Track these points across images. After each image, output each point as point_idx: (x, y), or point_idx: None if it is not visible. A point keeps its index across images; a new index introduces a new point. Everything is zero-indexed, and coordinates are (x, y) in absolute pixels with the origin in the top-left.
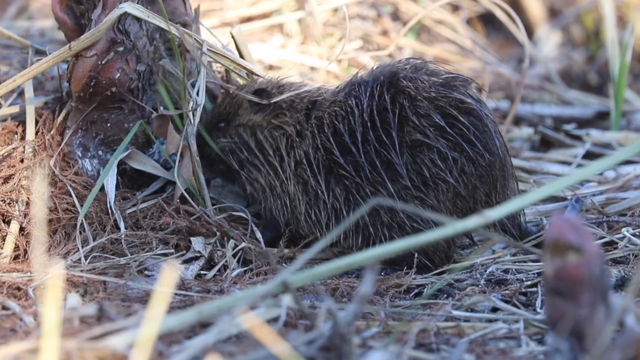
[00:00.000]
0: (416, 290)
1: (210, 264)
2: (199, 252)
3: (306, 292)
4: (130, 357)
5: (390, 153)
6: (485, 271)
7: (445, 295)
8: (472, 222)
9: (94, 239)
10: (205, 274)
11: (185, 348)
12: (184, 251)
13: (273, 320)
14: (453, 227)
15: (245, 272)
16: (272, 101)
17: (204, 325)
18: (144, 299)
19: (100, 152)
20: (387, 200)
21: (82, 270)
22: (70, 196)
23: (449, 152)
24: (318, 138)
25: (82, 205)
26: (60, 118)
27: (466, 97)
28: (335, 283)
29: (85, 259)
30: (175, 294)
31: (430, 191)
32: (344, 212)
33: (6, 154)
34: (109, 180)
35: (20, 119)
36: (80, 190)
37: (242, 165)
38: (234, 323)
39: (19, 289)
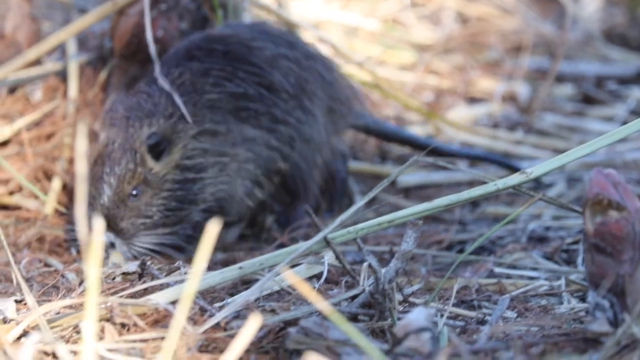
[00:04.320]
0: (458, 247)
1: (252, 224)
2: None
3: (348, 248)
4: (173, 314)
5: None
6: (527, 228)
7: (487, 253)
8: (513, 179)
9: None
10: (247, 234)
11: (228, 304)
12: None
13: (315, 277)
14: (494, 184)
15: (286, 230)
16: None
17: (245, 282)
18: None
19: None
20: None
21: None
22: None
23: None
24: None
25: None
26: (103, 75)
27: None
28: (376, 239)
29: None
30: (217, 252)
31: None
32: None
33: (49, 111)
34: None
35: (62, 76)
36: None
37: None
38: (276, 280)
39: (60, 245)
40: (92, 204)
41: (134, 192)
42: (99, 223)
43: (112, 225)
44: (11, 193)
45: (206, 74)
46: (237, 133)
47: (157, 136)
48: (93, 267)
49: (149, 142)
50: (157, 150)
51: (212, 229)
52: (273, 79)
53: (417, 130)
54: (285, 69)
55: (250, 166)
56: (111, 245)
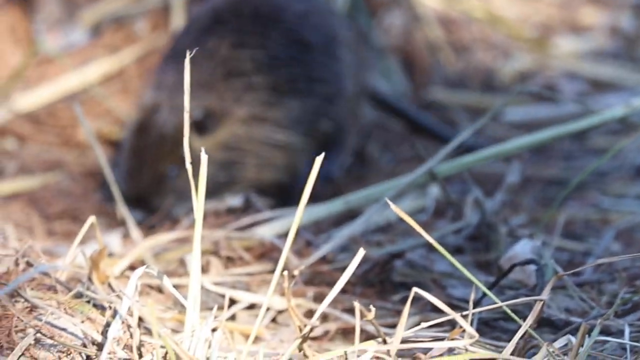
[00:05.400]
0: (564, 180)
1: (356, 155)
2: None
3: (453, 181)
4: (278, 247)
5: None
6: (634, 161)
7: (593, 185)
8: (619, 111)
9: None
10: (352, 165)
11: (333, 237)
12: None
13: (421, 210)
14: (599, 116)
15: (393, 164)
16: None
17: (351, 215)
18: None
19: None
20: None
21: None
22: None
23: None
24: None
25: None
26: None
27: None
28: (482, 172)
29: None
30: (323, 185)
31: None
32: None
33: (153, 45)
34: None
35: (167, 10)
36: None
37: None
38: (382, 212)
39: None
40: (130, 177)
41: (172, 170)
42: (206, 156)
43: (145, 203)
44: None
45: (241, 45)
46: (281, 113)
47: (204, 112)
48: (199, 200)
49: (195, 116)
50: (202, 126)
51: (317, 161)
52: (304, 36)
53: (524, 61)
54: (316, 23)
55: (293, 139)
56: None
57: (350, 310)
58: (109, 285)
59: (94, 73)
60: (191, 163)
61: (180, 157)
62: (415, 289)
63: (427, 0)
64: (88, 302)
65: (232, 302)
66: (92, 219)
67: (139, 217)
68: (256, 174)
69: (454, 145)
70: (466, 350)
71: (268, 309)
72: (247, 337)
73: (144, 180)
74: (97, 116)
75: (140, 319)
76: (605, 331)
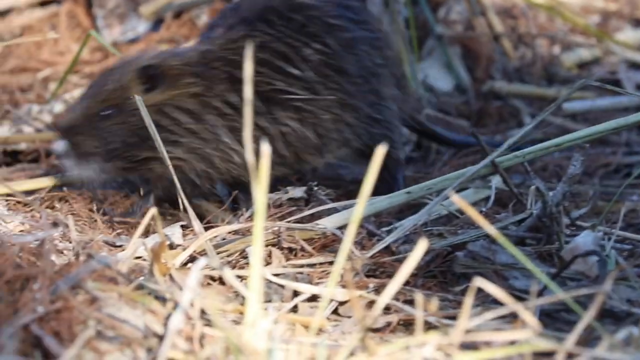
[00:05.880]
0: (625, 170)
1: (418, 146)
2: (405, 135)
3: (515, 172)
4: (340, 238)
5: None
6: None
7: None
8: None
9: None
10: (414, 157)
11: (396, 228)
12: None
13: (482, 201)
14: None
15: (454, 154)
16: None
17: (412, 207)
18: (353, 181)
19: None
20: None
21: None
22: None
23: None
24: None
25: None
26: None
27: None
28: (543, 163)
29: None
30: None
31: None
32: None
33: None
34: None
35: (229, 1)
36: None
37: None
38: (444, 204)
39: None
40: (71, 106)
41: (104, 113)
42: (267, 147)
43: (68, 137)
44: None
45: (264, 48)
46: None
47: (156, 68)
48: (261, 191)
49: (144, 69)
50: (151, 82)
51: (379, 151)
52: (344, 64)
53: (584, 51)
54: (360, 53)
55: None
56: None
57: (412, 302)
58: (170, 277)
59: None
60: (121, 111)
61: (117, 104)
62: (477, 280)
63: None
64: (149, 294)
65: (294, 293)
66: (153, 211)
67: (60, 149)
68: (191, 157)
69: (517, 137)
70: (528, 341)
71: (330, 301)
72: (308, 328)
73: (77, 112)
74: None
75: (202, 311)
76: None
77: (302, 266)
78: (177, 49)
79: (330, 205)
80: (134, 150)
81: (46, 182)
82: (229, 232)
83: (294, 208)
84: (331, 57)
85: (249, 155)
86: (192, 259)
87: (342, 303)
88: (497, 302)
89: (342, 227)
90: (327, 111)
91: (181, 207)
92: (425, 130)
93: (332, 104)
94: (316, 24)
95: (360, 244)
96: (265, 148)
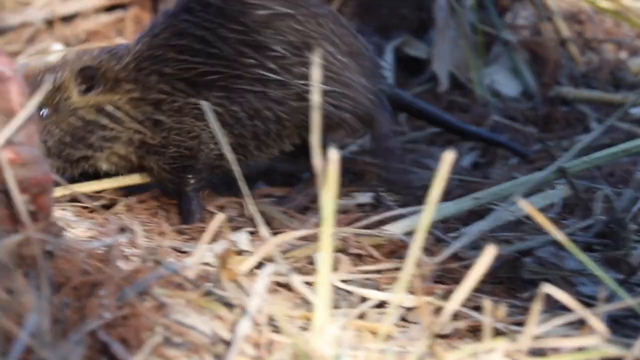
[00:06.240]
0: None
1: (484, 152)
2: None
3: (582, 178)
4: (408, 244)
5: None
6: None
7: None
8: None
9: None
10: (481, 162)
11: (463, 234)
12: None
13: (549, 207)
14: None
15: (520, 160)
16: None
17: (479, 212)
18: (420, 186)
19: (375, 38)
20: None
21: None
22: None
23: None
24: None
25: None
26: (335, 4)
27: None
28: (610, 169)
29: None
30: (452, 182)
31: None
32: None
33: None
34: (386, 66)
35: None
36: None
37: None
38: (511, 209)
39: (293, 176)
40: None
41: (41, 112)
42: (335, 153)
43: None
44: None
45: (183, 35)
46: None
47: (94, 70)
48: (329, 197)
49: (81, 71)
50: (89, 83)
51: (448, 156)
52: (262, 40)
53: None
54: (284, 28)
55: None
56: None
57: (480, 308)
58: (238, 283)
59: None
60: (57, 112)
61: (54, 105)
62: (544, 287)
63: None
64: (217, 300)
65: (362, 299)
66: (220, 216)
67: None
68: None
69: (585, 142)
70: (596, 347)
71: (397, 307)
72: (376, 335)
73: None
74: None
75: (269, 317)
76: None
77: (369, 272)
78: (116, 48)
79: (398, 211)
80: (68, 150)
81: (110, 183)
82: (296, 238)
83: (361, 214)
84: (247, 34)
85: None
86: (259, 265)
87: (409, 309)
88: (564, 309)
89: (410, 233)
90: (250, 89)
91: (247, 212)
92: (422, 112)
93: (254, 81)
94: (232, 5)
95: (428, 250)
96: (334, 154)
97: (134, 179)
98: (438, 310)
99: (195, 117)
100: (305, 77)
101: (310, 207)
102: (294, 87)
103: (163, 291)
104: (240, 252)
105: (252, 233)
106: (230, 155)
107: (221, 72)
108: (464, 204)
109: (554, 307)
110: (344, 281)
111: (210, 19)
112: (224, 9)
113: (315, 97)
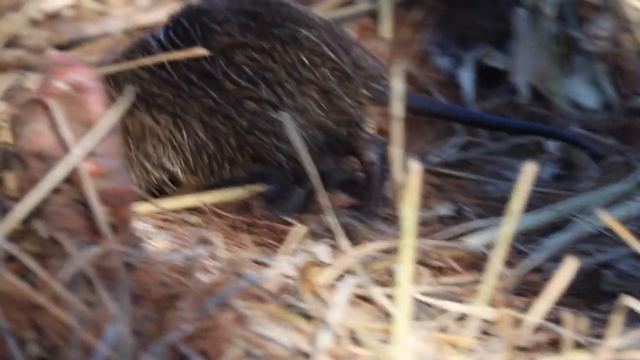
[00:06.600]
0: None
1: (565, 164)
2: (553, 152)
3: None
4: (488, 256)
5: (204, 63)
6: None
7: None
8: None
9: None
10: (561, 174)
11: (543, 247)
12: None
13: (629, 219)
14: None
15: (602, 172)
16: None
17: (559, 225)
18: (500, 198)
19: (455, 50)
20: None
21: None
22: (427, 93)
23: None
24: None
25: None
26: (416, 15)
27: None
28: None
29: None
30: (532, 194)
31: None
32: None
33: None
34: (466, 77)
35: (375, 16)
36: (437, 87)
37: None
38: (591, 221)
39: None
40: None
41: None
42: (416, 164)
43: None
44: None
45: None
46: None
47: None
48: (410, 209)
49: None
50: None
51: (529, 169)
52: (211, 69)
53: None
54: (241, 59)
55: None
56: None
57: (559, 320)
58: (318, 295)
59: None
60: None
61: None
62: (624, 299)
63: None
64: (297, 312)
65: (441, 312)
66: (300, 228)
67: None
68: None
69: None
70: None
71: (478, 319)
72: (456, 347)
73: None
74: None
75: (349, 329)
76: None
77: (449, 284)
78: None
79: (478, 223)
80: None
81: (193, 200)
82: (376, 250)
83: (441, 226)
84: (198, 62)
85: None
86: (339, 277)
87: (489, 322)
88: None
89: (490, 245)
90: (196, 117)
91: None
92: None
93: (199, 110)
94: (199, 28)
95: (508, 262)
96: (415, 166)
97: (213, 196)
98: (518, 323)
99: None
100: (255, 112)
101: (389, 219)
102: (239, 121)
103: (243, 303)
104: (320, 264)
105: (331, 245)
106: (311, 168)
107: (167, 95)
108: (544, 215)
109: (633, 320)
110: (424, 293)
111: (173, 42)
112: (188, 32)
113: (397, 108)
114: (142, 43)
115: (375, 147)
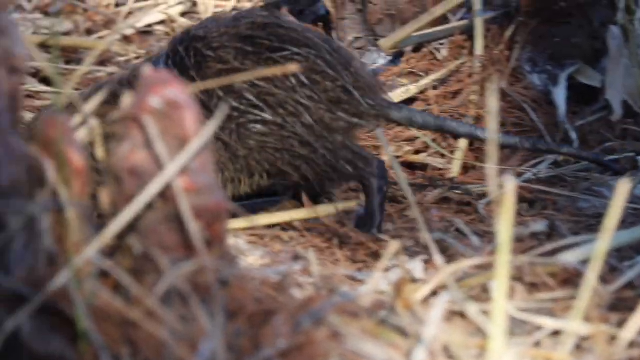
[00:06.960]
0: None
1: None
2: None
3: None
4: (583, 273)
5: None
6: None
7: None
8: None
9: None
10: None
11: (638, 263)
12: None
13: None
14: None
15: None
16: None
17: None
18: (593, 215)
19: (549, 67)
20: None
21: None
22: (520, 110)
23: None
24: None
25: (534, 119)
26: (509, 33)
27: (257, 17)
28: None
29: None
30: (626, 210)
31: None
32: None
33: (455, 68)
34: (559, 94)
35: (468, 34)
36: (530, 104)
37: None
38: None
39: (469, 204)
40: None
41: None
42: (511, 180)
43: None
44: (417, 152)
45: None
46: None
47: None
48: (505, 225)
49: None
50: None
51: (623, 186)
52: (203, 97)
53: None
54: (241, 87)
55: None
56: None
57: None
58: (413, 312)
59: (394, 97)
60: None
61: None
62: None
63: None
64: (392, 328)
65: (537, 328)
66: (395, 244)
67: None
68: None
69: None
70: None
71: (573, 335)
72: None
73: None
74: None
75: (445, 346)
76: None
77: (544, 301)
78: None
79: (572, 239)
80: None
81: (285, 216)
82: (471, 267)
83: (535, 242)
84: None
85: None
86: (433, 293)
87: (584, 338)
88: None
89: (585, 262)
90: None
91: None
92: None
93: None
94: (193, 55)
95: (602, 279)
96: (511, 182)
97: (305, 213)
98: (613, 339)
99: None
100: (263, 134)
101: (482, 235)
102: (248, 143)
103: (337, 319)
104: (414, 280)
105: (426, 261)
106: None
107: None
108: (639, 232)
109: None
110: (519, 309)
111: (173, 66)
112: (184, 59)
113: (492, 127)
114: (138, 71)
115: (375, 162)
